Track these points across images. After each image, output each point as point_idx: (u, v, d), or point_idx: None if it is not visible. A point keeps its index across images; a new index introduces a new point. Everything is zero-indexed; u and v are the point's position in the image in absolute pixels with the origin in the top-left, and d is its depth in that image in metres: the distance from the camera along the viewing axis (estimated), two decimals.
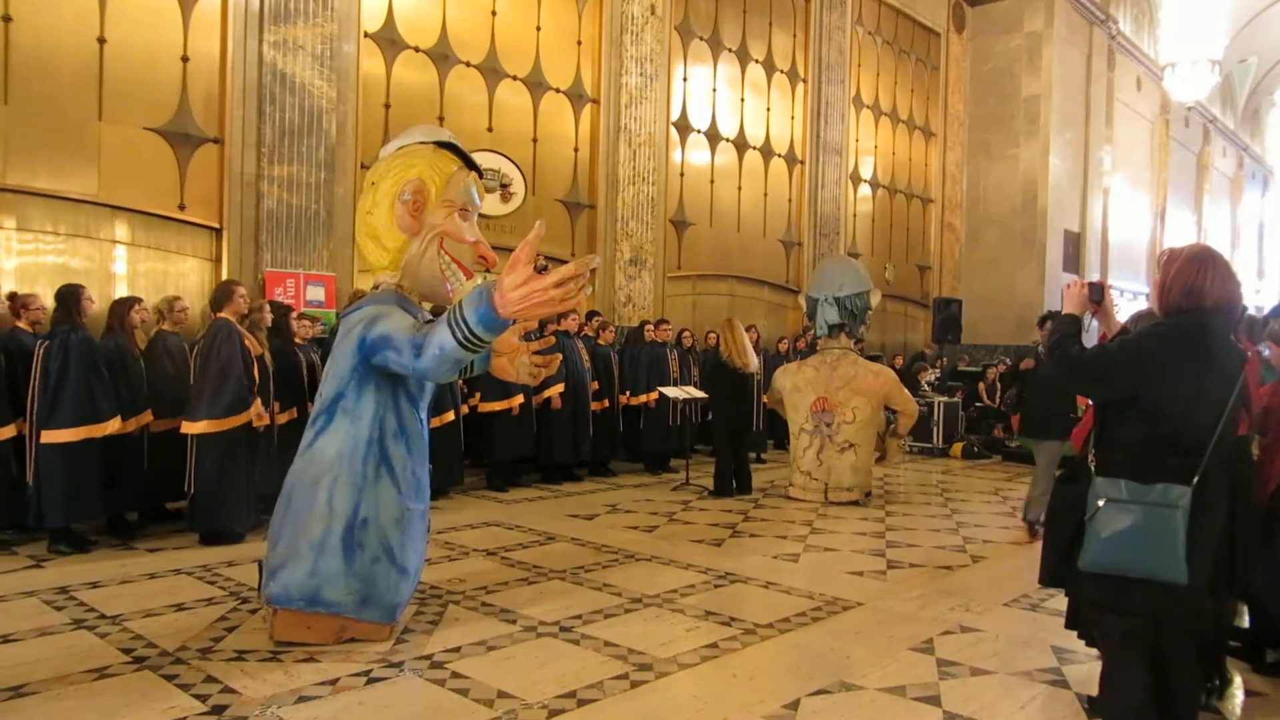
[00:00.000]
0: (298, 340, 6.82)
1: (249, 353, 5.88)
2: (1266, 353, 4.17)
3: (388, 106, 8.86)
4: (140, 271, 7.35)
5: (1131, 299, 20.37)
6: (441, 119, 9.15)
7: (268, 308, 6.50)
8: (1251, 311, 5.54)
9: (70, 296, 5.62)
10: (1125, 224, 19.56)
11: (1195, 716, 2.86)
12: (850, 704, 3.51)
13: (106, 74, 7.13)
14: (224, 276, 7.55)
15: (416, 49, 9.07)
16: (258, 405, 5.87)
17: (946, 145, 16.88)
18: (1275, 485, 3.91)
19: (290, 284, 7.79)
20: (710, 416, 8.90)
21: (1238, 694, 3.75)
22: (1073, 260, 17.55)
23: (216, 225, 7.73)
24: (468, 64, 9.49)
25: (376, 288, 4.19)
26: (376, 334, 3.77)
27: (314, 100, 8.02)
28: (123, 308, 6.10)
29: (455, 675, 3.63)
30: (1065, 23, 16.77)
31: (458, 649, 3.92)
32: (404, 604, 4.11)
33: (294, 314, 6.96)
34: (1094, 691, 3.66)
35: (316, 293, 7.96)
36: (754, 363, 8.45)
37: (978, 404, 13.02)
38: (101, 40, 7.09)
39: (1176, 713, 2.77)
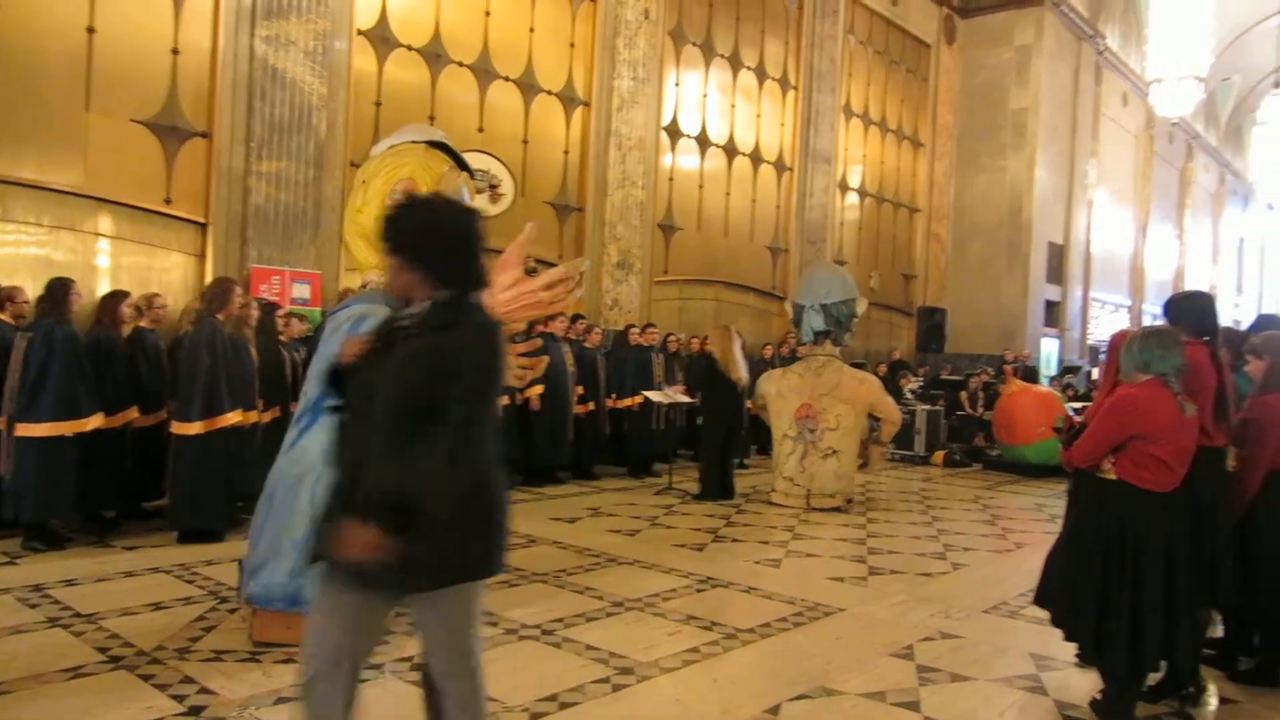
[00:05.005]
0: (283, 338, 6.79)
1: (238, 352, 5.85)
2: (1246, 367, 4.22)
3: (379, 104, 8.83)
4: (124, 265, 7.29)
5: (1113, 311, 20.56)
6: (433, 118, 9.13)
7: (254, 305, 6.46)
8: (1231, 325, 5.60)
9: (59, 289, 5.57)
10: (1108, 237, 19.74)
11: None
12: (831, 709, 3.52)
13: (95, 64, 7.08)
14: (209, 272, 7.50)
15: (409, 47, 9.05)
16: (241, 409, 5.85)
17: (934, 155, 16.97)
18: (1253, 496, 3.96)
19: (276, 281, 7.76)
20: (698, 421, 8.90)
21: (1212, 701, 3.79)
22: (1056, 272, 17.69)
23: (202, 220, 7.68)
24: (460, 64, 9.48)
25: (364, 286, 4.18)
26: (362, 333, 3.75)
27: (304, 96, 7.99)
28: (114, 301, 6.05)
29: None
30: (1054, 37, 16.92)
31: None
32: None
33: (280, 312, 6.93)
34: (1072, 698, 3.69)
35: (302, 290, 7.92)
36: (745, 375, 8.47)
37: (959, 412, 13.09)
38: (90, 30, 7.04)
39: None
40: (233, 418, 5.76)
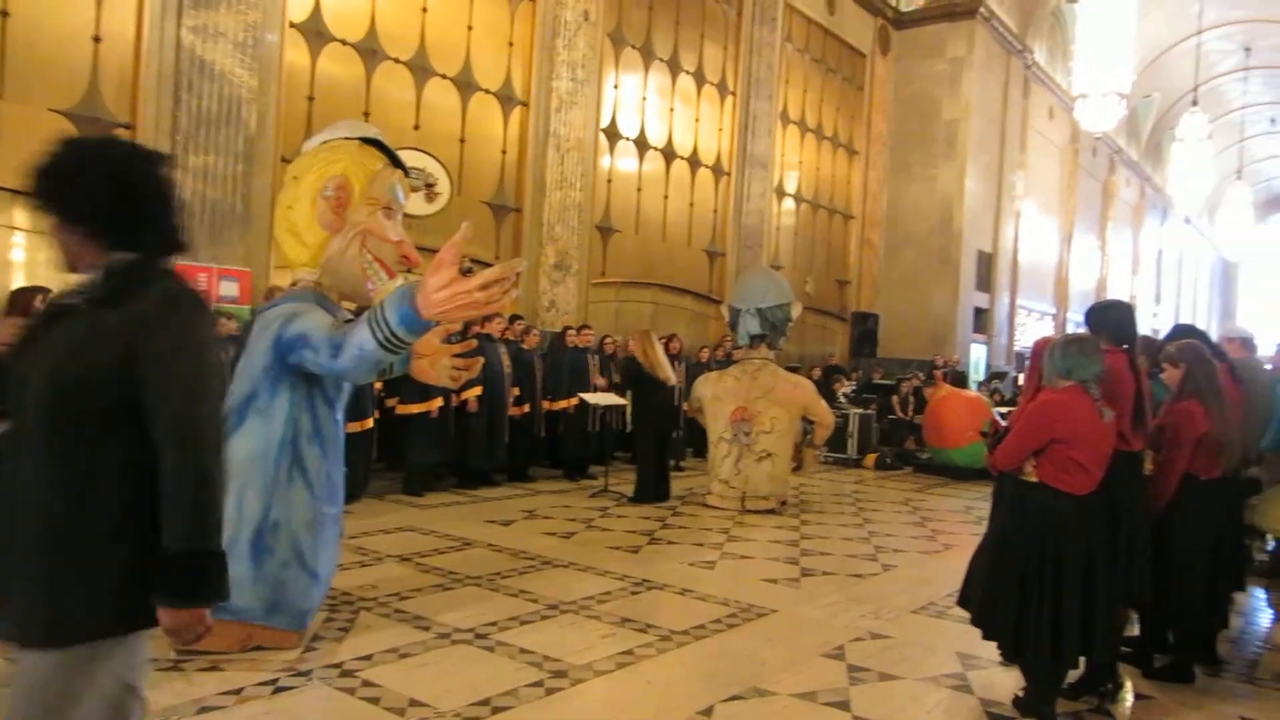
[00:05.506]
0: None
1: None
2: (1162, 374, 4.38)
3: (311, 99, 8.66)
4: (40, 260, 7.01)
5: (1039, 318, 21.15)
6: (367, 115, 8.98)
7: None
8: (1149, 334, 5.81)
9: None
10: (1035, 247, 20.29)
11: None
12: (763, 710, 3.55)
13: (9, 50, 6.79)
14: None
15: (343, 42, 8.89)
16: None
17: (869, 163, 17.27)
18: (1168, 500, 4.11)
19: (202, 279, 7.55)
20: (632, 424, 8.91)
21: (1128, 697, 3.92)
22: (985, 280, 18.13)
23: None
24: (396, 60, 9.34)
25: (295, 285, 4.09)
26: (293, 332, 3.67)
27: (234, 89, 7.79)
28: (27, 297, 5.80)
29: (366, 684, 3.56)
30: (985, 51, 17.34)
31: (369, 657, 3.84)
32: (314, 611, 4.01)
33: None
34: (996, 696, 3.78)
35: (230, 288, 7.72)
36: (672, 376, 8.51)
37: (891, 416, 13.33)
38: (4, 13, 6.76)
39: None
40: None
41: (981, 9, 16.77)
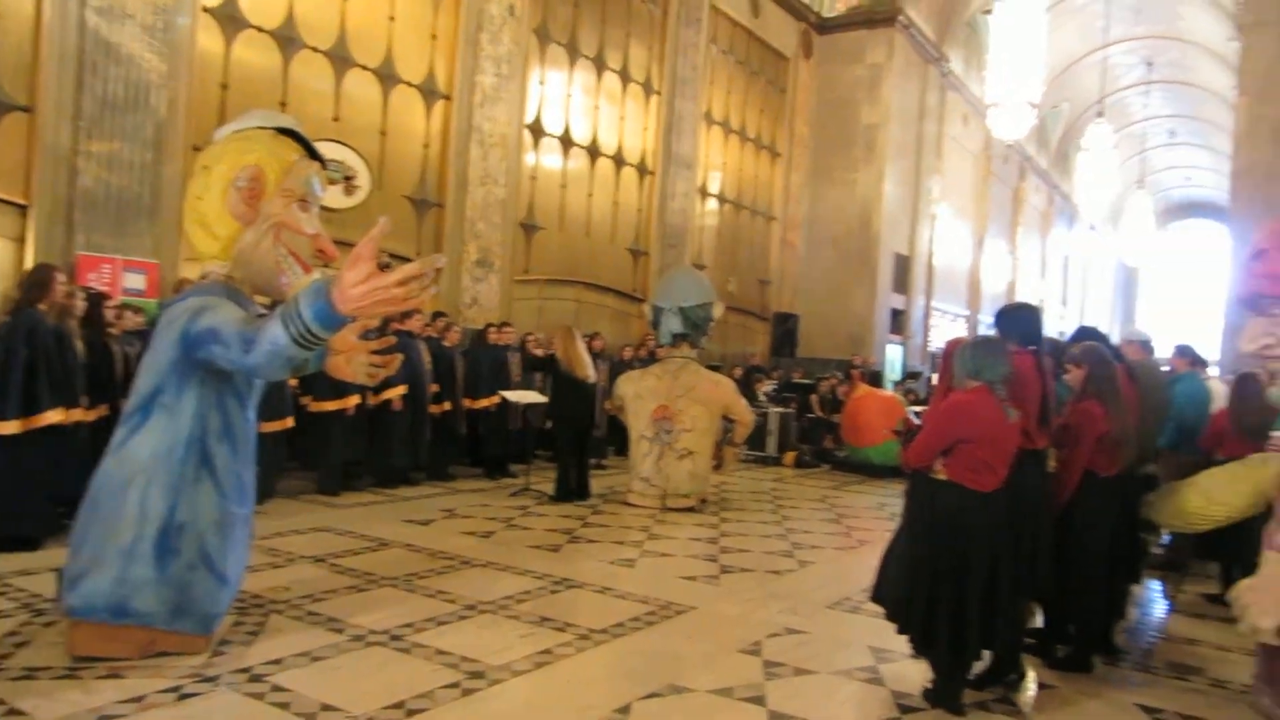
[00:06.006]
0: (113, 331, 6.35)
1: (61, 346, 5.44)
2: (1066, 375, 4.54)
3: (225, 87, 8.40)
4: None
5: (952, 320, 21.75)
6: (284, 105, 8.75)
7: (79, 294, 6.01)
8: (1055, 336, 6.03)
9: None
10: (949, 250, 20.86)
11: None
12: (680, 706, 3.58)
13: None
14: (29, 257, 6.93)
15: (259, 29, 8.63)
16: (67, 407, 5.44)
17: (791, 166, 17.52)
18: (1069, 496, 4.27)
19: (106, 270, 7.26)
20: (551, 422, 8.87)
21: (1031, 687, 4.06)
22: (902, 282, 18.57)
23: (23, 202, 7.08)
24: (315, 49, 9.12)
25: (204, 277, 3.97)
26: (202, 327, 3.56)
27: (142, 74, 7.51)
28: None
29: (276, 688, 3.47)
30: (904, 58, 17.75)
31: (279, 661, 3.75)
32: (222, 614, 3.89)
33: (110, 303, 6.48)
34: (906, 688, 3.88)
35: (136, 280, 7.44)
36: (593, 373, 8.50)
37: (810, 415, 13.55)
38: None
39: None
40: (53, 416, 5.36)
41: (901, 17, 17.17)
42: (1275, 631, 3.47)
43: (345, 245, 3.98)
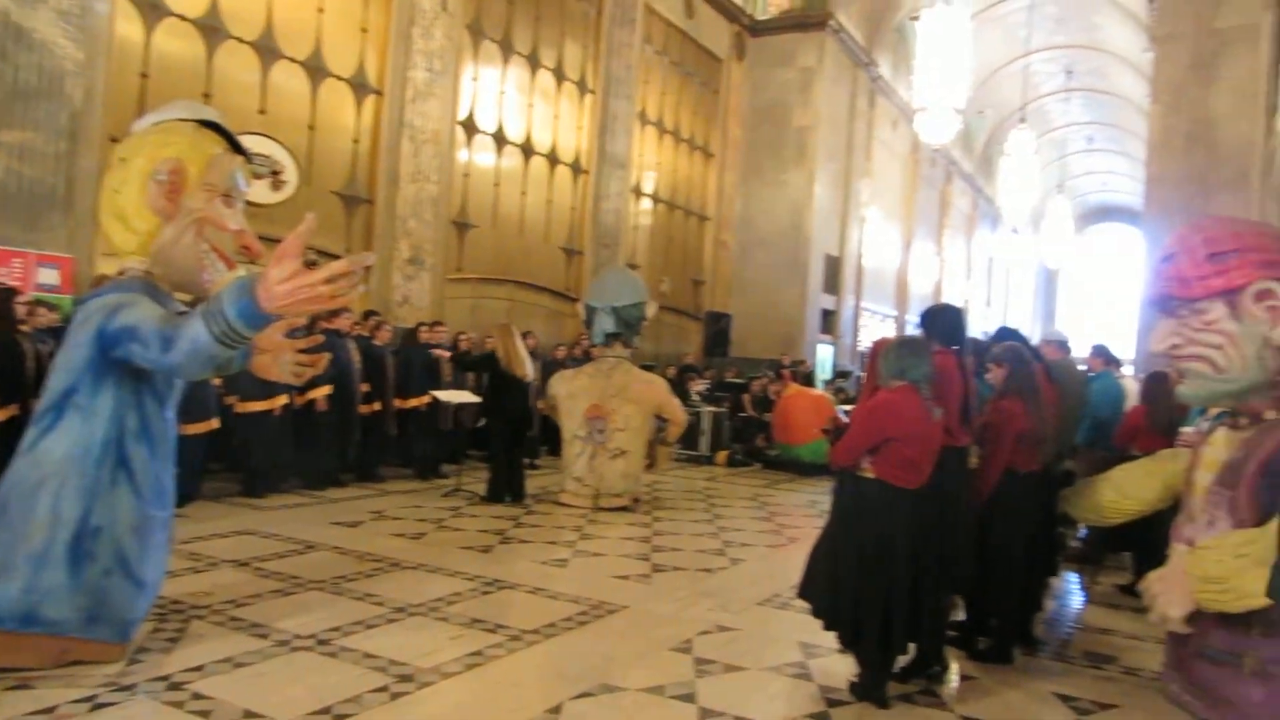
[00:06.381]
0: (25, 328, 6.11)
1: None
2: (988, 375, 4.67)
3: (145, 76, 8.13)
4: None
5: (881, 320, 22.17)
6: (208, 96, 8.51)
7: None
8: (978, 336, 6.19)
9: None
10: (878, 252, 21.26)
11: None
12: (611, 705, 3.58)
13: None
14: None
15: (182, 17, 8.38)
16: None
17: (724, 166, 17.66)
18: (990, 491, 4.39)
19: (18, 264, 6.97)
20: (485, 422, 8.78)
21: (954, 679, 4.17)
22: (832, 283, 18.86)
23: None
24: (240, 40, 8.89)
25: (122, 273, 3.85)
26: (119, 324, 3.45)
27: (56, 61, 7.23)
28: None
29: (196, 696, 3.38)
30: (834, 62, 18.03)
31: (200, 668, 3.65)
32: (140, 620, 3.78)
33: (21, 298, 6.23)
34: (834, 682, 3.95)
35: (50, 276, 7.16)
36: (532, 371, 8.46)
37: (742, 414, 13.67)
38: None
39: None
40: None
41: (831, 21, 17.44)
42: (1183, 620, 3.61)
43: (272, 241, 3.89)
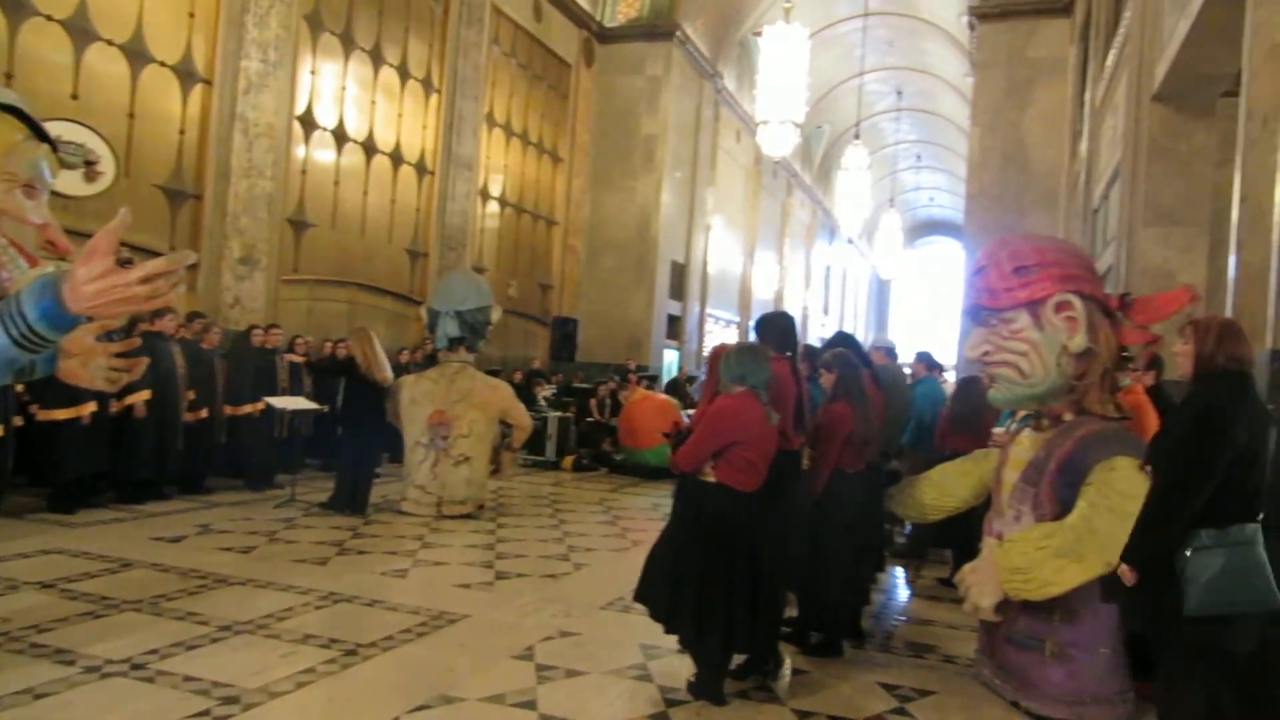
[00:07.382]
0: None
1: None
2: (820, 379, 4.88)
3: None
4: None
5: (725, 326, 22.77)
6: (10, 77, 7.82)
7: None
8: (812, 343, 6.46)
9: None
10: (722, 259, 21.83)
11: None
12: (450, 717, 3.53)
13: None
14: None
15: None
16: None
17: (573, 171, 17.69)
18: (820, 492, 4.58)
19: None
20: (340, 430, 8.38)
21: (787, 674, 4.32)
22: (678, 288, 19.22)
23: None
24: (49, 18, 8.21)
25: None
26: None
27: None
28: None
29: None
30: (681, 72, 18.40)
31: None
32: None
33: None
34: (674, 683, 4.01)
35: None
36: (390, 376, 8.18)
37: (589, 419, 13.73)
38: None
39: None
40: None
41: (678, 32, 17.79)
42: (993, 609, 3.88)
43: (85, 236, 3.61)
